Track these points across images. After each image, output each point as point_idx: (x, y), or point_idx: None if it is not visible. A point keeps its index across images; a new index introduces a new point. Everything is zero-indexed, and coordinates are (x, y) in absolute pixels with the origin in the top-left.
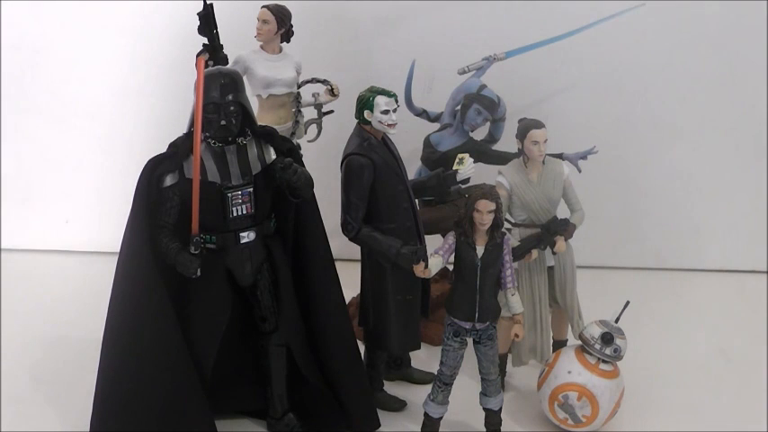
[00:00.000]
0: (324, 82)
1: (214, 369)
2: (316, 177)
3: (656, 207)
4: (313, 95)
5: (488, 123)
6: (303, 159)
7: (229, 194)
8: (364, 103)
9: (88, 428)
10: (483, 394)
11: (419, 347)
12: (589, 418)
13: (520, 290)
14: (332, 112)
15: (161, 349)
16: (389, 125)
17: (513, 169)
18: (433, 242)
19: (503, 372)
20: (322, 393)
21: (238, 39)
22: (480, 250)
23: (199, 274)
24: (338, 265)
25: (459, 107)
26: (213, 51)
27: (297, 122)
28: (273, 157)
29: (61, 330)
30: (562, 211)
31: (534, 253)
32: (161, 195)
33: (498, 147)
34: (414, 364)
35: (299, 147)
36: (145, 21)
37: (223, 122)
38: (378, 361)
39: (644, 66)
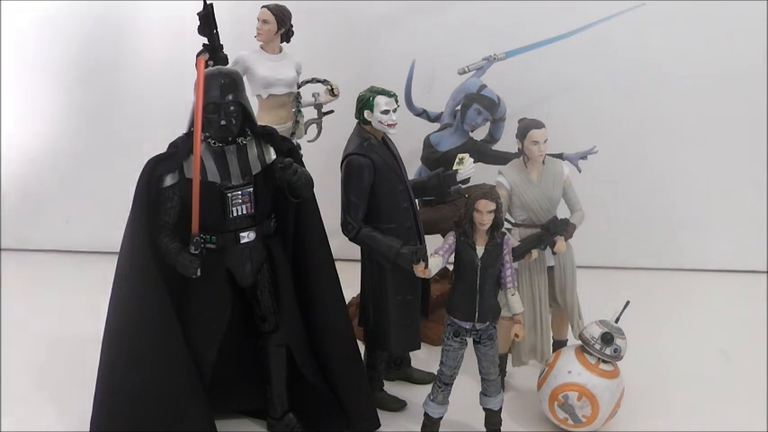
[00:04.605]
0: (324, 82)
1: (214, 369)
2: (316, 177)
3: (656, 207)
4: (313, 95)
5: (488, 123)
6: (303, 159)
7: (229, 194)
8: (364, 103)
9: (88, 428)
10: (483, 394)
11: (419, 347)
12: (589, 418)
13: (520, 290)
14: (332, 112)
15: (161, 349)
16: (389, 125)
17: (513, 169)
18: (433, 242)
19: (503, 372)
20: (322, 393)
21: (238, 39)
22: (480, 250)
23: (199, 274)
24: (338, 265)
25: (459, 107)
26: (213, 51)
27: (297, 122)
28: (273, 157)
29: (61, 330)
30: (562, 211)
31: (534, 253)
32: (161, 195)
33: (498, 147)
34: (414, 364)
35: (299, 147)
36: (145, 20)
37: (223, 122)
38: (378, 361)
39: (644, 66)
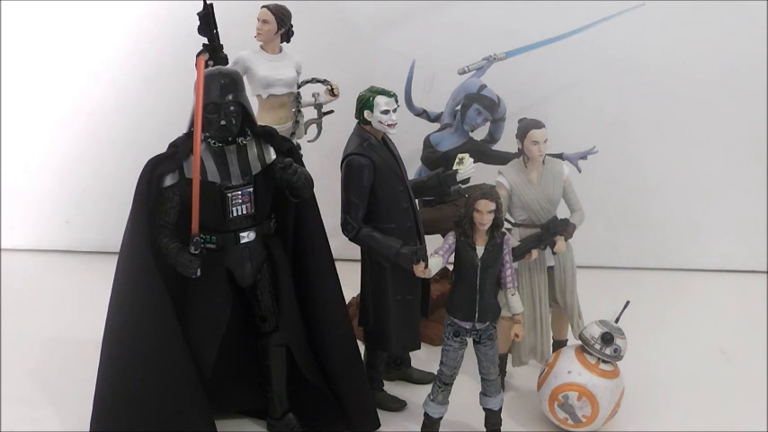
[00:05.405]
0: (324, 82)
1: (214, 369)
2: (316, 177)
3: (656, 207)
4: (313, 95)
5: (488, 123)
6: (303, 159)
7: (229, 194)
8: (364, 103)
9: (88, 428)
10: (483, 394)
11: (419, 347)
12: (589, 418)
13: (520, 290)
14: (332, 112)
15: (161, 349)
16: (389, 125)
17: (513, 169)
18: (432, 242)
19: (503, 372)
20: (322, 393)
21: (238, 39)
22: (480, 250)
23: (199, 274)
24: (338, 265)
25: (459, 107)
26: (213, 51)
27: (297, 122)
28: (273, 157)
29: (61, 330)
30: (562, 211)
31: (534, 253)
32: (161, 195)
33: (498, 147)
34: (414, 364)
35: (299, 147)
36: (145, 21)
37: (223, 122)
38: (378, 361)
39: (644, 66)
